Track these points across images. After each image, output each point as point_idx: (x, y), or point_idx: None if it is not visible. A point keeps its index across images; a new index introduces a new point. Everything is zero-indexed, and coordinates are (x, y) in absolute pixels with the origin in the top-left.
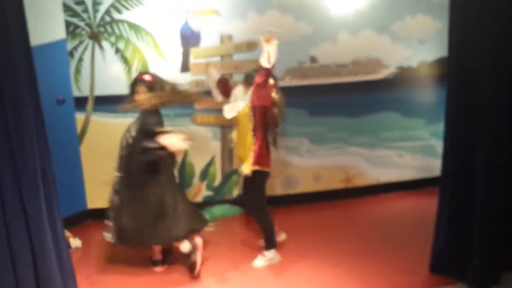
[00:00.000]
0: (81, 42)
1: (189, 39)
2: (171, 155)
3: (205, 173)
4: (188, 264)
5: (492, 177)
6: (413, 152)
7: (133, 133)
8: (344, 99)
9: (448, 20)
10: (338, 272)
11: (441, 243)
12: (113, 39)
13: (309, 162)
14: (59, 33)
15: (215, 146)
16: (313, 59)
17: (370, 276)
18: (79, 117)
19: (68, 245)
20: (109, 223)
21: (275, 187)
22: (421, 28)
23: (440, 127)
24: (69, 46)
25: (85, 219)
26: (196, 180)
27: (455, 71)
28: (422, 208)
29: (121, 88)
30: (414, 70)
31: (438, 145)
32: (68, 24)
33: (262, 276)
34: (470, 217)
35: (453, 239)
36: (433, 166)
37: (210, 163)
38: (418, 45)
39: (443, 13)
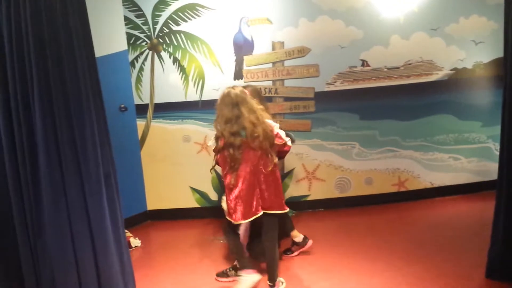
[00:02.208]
0: (141, 53)
1: (242, 47)
2: None
3: None
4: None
5: None
6: (469, 155)
7: None
8: (396, 102)
9: (503, 20)
10: (389, 276)
11: (497, 249)
12: (171, 49)
13: (360, 166)
14: (121, 44)
15: None
16: (364, 63)
17: (424, 281)
18: (140, 123)
19: (129, 245)
20: None
21: (328, 190)
22: (476, 29)
23: (498, 129)
24: (131, 56)
25: (145, 220)
26: None
27: (511, 71)
28: (478, 213)
29: (179, 95)
30: (469, 71)
31: (496, 148)
32: (129, 36)
33: (312, 277)
34: None
35: (510, 245)
36: (491, 169)
37: None
38: (473, 46)
39: (499, 13)
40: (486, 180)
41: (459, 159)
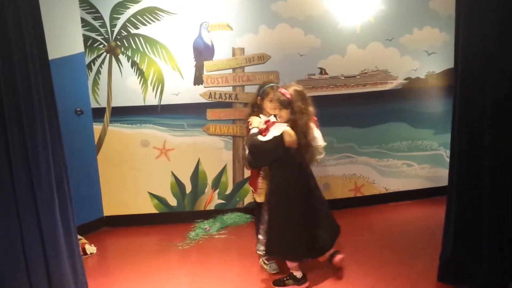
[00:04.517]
0: (98, 56)
1: (203, 52)
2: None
3: (217, 182)
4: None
5: (499, 185)
6: (421, 161)
7: None
8: (352, 109)
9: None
10: (347, 280)
11: (448, 252)
12: (129, 52)
13: (318, 172)
14: (78, 46)
15: (227, 156)
16: (322, 71)
17: (379, 284)
18: (97, 127)
19: (84, 252)
20: None
21: None
22: (429, 40)
23: (449, 137)
24: (87, 59)
25: (101, 226)
26: (208, 188)
27: (460, 81)
28: (430, 217)
29: (138, 99)
30: (422, 81)
31: (447, 155)
32: (86, 38)
33: (268, 284)
34: (477, 226)
35: (461, 248)
36: (441, 175)
37: (222, 172)
38: (426, 56)
39: (451, 25)
40: (437, 186)
41: (412, 165)
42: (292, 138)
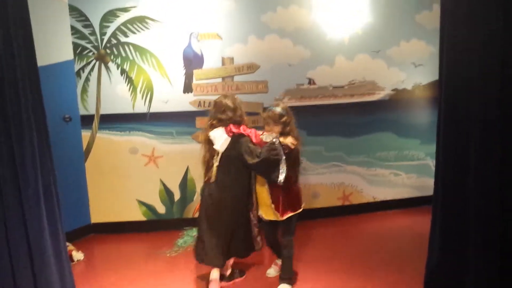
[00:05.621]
0: (88, 63)
1: (192, 61)
2: None
3: None
4: None
5: (483, 194)
6: (408, 171)
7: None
8: (340, 119)
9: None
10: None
11: (435, 260)
12: (119, 60)
13: (307, 180)
14: (67, 54)
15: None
16: (311, 81)
17: None
18: (85, 134)
19: (71, 258)
20: None
21: None
22: (416, 52)
23: (435, 147)
24: (77, 66)
25: (88, 233)
26: (197, 196)
27: (445, 92)
28: (417, 226)
29: (127, 107)
30: (409, 92)
31: (433, 164)
32: (76, 45)
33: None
34: (463, 235)
35: (447, 256)
36: (428, 185)
37: None
38: (412, 68)
39: (437, 38)
40: (425, 195)
41: (399, 174)
42: None
